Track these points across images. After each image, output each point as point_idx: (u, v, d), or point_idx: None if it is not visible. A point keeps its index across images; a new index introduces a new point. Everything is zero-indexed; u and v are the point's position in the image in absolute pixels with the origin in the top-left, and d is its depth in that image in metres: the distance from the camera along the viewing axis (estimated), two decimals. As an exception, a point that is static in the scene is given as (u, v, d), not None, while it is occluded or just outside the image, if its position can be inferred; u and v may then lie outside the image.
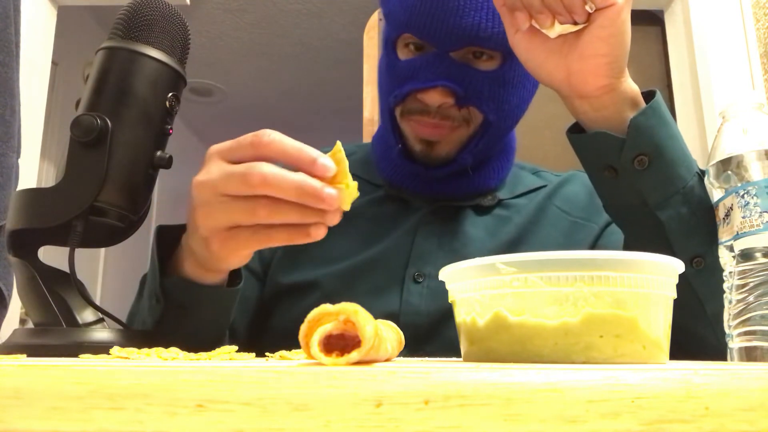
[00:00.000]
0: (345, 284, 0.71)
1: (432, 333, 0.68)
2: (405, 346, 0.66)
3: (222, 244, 0.47)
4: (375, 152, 0.82)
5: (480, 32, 0.65)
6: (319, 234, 0.44)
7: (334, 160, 0.43)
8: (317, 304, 0.29)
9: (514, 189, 0.79)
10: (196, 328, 0.56)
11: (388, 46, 0.72)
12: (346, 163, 0.43)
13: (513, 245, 0.73)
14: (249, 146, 0.44)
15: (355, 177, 0.44)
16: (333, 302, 0.29)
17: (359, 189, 0.44)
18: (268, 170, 0.42)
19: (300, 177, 0.42)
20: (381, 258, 0.73)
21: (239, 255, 0.50)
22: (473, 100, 0.68)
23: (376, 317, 0.38)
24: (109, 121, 0.48)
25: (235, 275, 0.57)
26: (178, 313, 0.54)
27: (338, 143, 0.44)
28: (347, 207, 0.43)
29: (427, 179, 0.74)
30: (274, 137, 0.44)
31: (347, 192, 0.43)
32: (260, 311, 0.75)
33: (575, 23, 0.54)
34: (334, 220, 0.44)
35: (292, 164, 0.43)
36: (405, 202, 0.77)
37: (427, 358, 0.51)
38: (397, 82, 0.70)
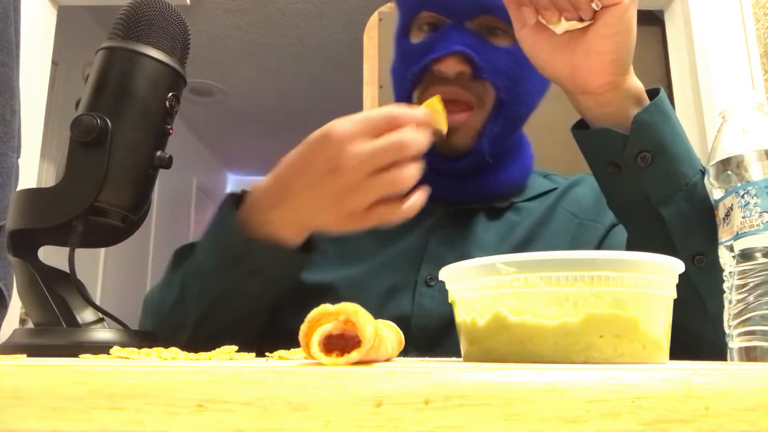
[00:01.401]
0: (358, 286, 0.71)
1: (443, 336, 0.68)
2: (416, 348, 0.67)
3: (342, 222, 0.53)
4: None
5: (494, 1, 0.66)
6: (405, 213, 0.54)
7: (430, 108, 0.53)
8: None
9: (526, 193, 0.80)
10: (261, 293, 0.59)
11: (401, 35, 0.72)
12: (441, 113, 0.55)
13: (521, 247, 0.73)
14: (384, 121, 0.50)
15: None
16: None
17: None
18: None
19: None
20: (394, 260, 0.72)
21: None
22: (488, 72, 0.68)
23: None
24: (109, 121, 0.48)
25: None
26: (246, 279, 0.57)
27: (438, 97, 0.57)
28: (444, 126, 0.56)
29: (445, 177, 0.74)
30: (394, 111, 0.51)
31: (432, 111, 0.53)
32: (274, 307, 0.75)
33: (581, 20, 0.54)
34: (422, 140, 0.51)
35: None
36: None
37: (427, 358, 0.51)
38: (413, 61, 0.70)
